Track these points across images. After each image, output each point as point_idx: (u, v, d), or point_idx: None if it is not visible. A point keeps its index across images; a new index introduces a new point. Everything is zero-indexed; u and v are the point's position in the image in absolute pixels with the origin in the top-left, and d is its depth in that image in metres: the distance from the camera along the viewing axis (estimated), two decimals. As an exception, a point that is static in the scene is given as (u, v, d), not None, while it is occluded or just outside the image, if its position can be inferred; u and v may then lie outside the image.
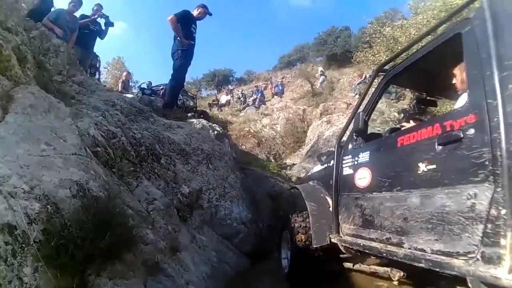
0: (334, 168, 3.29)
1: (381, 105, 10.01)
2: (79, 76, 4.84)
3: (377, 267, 2.93)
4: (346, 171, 3.11)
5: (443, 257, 1.85)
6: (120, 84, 12.87)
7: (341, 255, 3.24)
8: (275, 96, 22.02)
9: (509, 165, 1.53)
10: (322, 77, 20.66)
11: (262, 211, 5.50)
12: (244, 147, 10.79)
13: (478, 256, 1.64)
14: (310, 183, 4.02)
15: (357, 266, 3.18)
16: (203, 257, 3.67)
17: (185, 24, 6.60)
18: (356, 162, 2.96)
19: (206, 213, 4.29)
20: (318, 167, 4.28)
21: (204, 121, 7.53)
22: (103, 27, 8.46)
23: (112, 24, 8.59)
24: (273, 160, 10.69)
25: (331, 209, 3.28)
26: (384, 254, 2.34)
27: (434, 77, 2.95)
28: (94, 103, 3.99)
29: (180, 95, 8.30)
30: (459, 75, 2.47)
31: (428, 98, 3.59)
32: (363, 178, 2.79)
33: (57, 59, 4.50)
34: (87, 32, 8.03)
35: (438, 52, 2.42)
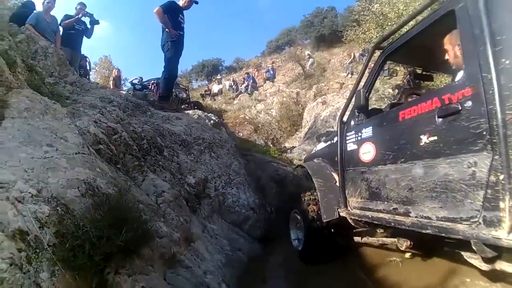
0: (338, 144, 3.35)
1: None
2: (71, 76, 4.73)
3: (385, 239, 3.10)
4: (350, 146, 3.17)
5: (448, 223, 1.96)
6: (111, 82, 12.73)
7: (352, 230, 3.36)
8: (267, 81, 21.89)
9: (505, 134, 1.64)
10: (311, 59, 20.61)
11: (269, 195, 5.49)
12: (241, 134, 10.77)
13: (480, 220, 1.76)
14: (315, 160, 4.04)
15: (365, 239, 3.35)
16: (216, 246, 3.65)
17: (172, 15, 6.49)
18: (359, 138, 3.04)
19: (214, 202, 4.26)
20: (321, 145, 4.28)
21: (199, 112, 7.47)
22: (89, 26, 8.31)
23: (97, 22, 8.44)
24: (271, 145, 10.67)
25: (338, 184, 3.34)
26: (392, 224, 2.43)
27: (430, 52, 2.96)
28: (90, 101, 3.91)
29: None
30: (451, 50, 2.55)
31: (424, 73, 3.61)
32: (367, 152, 2.87)
33: (46, 61, 4.40)
34: (73, 32, 7.89)
35: (432, 28, 2.48)
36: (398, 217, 2.39)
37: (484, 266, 2.08)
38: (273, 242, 4.64)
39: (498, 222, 1.64)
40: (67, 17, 7.89)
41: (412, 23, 2.92)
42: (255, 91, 19.14)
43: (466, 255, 2.22)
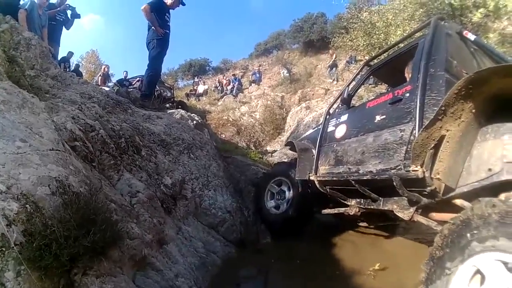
0: (321, 127, 4.28)
1: (360, 90, 10.38)
2: (53, 69, 4.63)
3: (340, 208, 3.91)
4: (330, 128, 4.12)
5: (382, 172, 2.96)
6: (99, 78, 12.61)
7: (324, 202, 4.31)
8: (253, 84, 21.91)
9: (421, 109, 2.70)
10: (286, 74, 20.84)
11: (247, 199, 5.48)
12: (224, 136, 10.74)
13: (402, 166, 2.74)
14: (303, 141, 4.87)
15: (325, 211, 4.24)
16: (190, 248, 3.63)
17: (158, 13, 6.46)
18: (338, 122, 4.01)
19: (191, 204, 4.23)
20: (310, 131, 5.24)
21: (182, 111, 7.43)
22: (69, 17, 8.29)
23: (78, 16, 8.55)
24: (253, 148, 10.68)
25: (314, 157, 4.16)
26: (346, 176, 3.40)
27: (399, 73, 3.69)
28: (70, 96, 3.85)
29: (157, 86, 8.21)
30: (408, 72, 3.47)
31: None
32: (340, 131, 3.85)
33: (29, 53, 4.30)
34: (54, 24, 7.85)
35: (405, 54, 3.56)
36: (350, 174, 3.37)
37: (406, 215, 2.90)
38: (249, 246, 4.65)
39: (409, 165, 2.55)
40: (50, 6, 7.84)
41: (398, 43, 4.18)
42: (240, 93, 19.13)
43: (395, 210, 3.04)
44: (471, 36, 3.19)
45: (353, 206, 3.73)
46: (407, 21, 9.05)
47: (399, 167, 2.77)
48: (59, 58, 9.41)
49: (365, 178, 3.15)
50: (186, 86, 27.63)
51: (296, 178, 4.40)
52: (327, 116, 4.32)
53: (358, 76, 4.43)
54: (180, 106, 9.35)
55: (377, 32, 10.10)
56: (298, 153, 4.50)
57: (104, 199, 2.53)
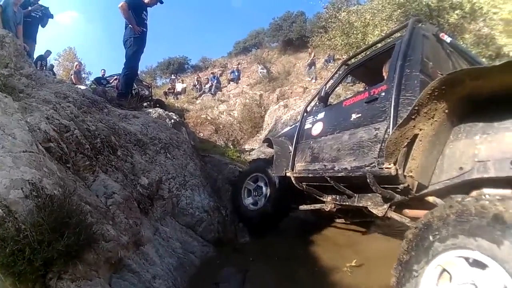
0: (299, 125, 4.39)
1: (338, 88, 10.58)
2: (28, 68, 4.51)
3: (316, 205, 4.10)
4: (307, 126, 4.22)
5: (357, 169, 3.05)
6: (72, 76, 12.37)
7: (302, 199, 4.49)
8: (231, 82, 21.88)
9: (395, 108, 2.78)
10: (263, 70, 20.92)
11: (224, 198, 5.48)
12: (202, 135, 10.71)
13: (375, 164, 2.83)
14: (280, 138, 4.97)
15: (302, 207, 4.42)
16: (168, 249, 3.62)
17: (136, 11, 6.39)
18: (315, 119, 4.10)
19: (168, 204, 4.21)
20: (287, 128, 5.49)
21: (160, 110, 7.36)
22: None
23: (51, 16, 8.48)
24: (231, 146, 10.67)
25: (291, 153, 4.26)
26: (321, 173, 3.52)
27: (377, 72, 3.79)
28: (45, 96, 3.76)
29: (134, 84, 8.13)
30: (385, 71, 3.59)
31: None
32: (317, 129, 3.95)
33: (2, 51, 4.19)
34: (29, 20, 7.71)
35: (382, 55, 3.66)
36: (326, 170, 3.47)
37: (380, 212, 3.02)
38: (227, 245, 4.66)
39: (383, 163, 2.64)
40: (25, 4, 7.67)
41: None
42: (219, 92, 19.09)
43: (369, 206, 3.17)
44: (447, 38, 3.27)
45: (328, 203, 3.83)
46: (385, 21, 9.22)
47: (373, 164, 2.86)
48: (35, 56, 9.26)
49: (340, 175, 3.26)
50: (165, 84, 27.41)
51: (273, 174, 4.53)
52: (305, 114, 4.43)
53: (336, 75, 4.55)
54: (158, 105, 9.27)
55: (355, 32, 10.25)
56: (275, 150, 4.57)
57: (79, 201, 2.49)
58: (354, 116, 3.35)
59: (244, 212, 5.05)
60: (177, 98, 18.28)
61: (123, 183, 3.56)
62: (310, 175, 3.77)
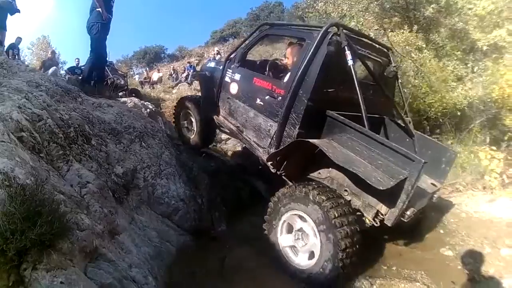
0: (221, 73, 4.88)
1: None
2: None
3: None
4: (227, 79, 4.79)
5: (256, 146, 4.18)
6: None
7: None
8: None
9: (284, 113, 3.61)
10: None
11: (200, 187, 5.46)
12: (177, 124, 10.55)
13: (266, 151, 3.96)
14: (207, 73, 5.53)
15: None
16: (144, 238, 3.60)
17: None
18: (232, 77, 4.67)
19: (143, 193, 4.19)
20: (212, 63, 6.02)
21: (136, 100, 7.28)
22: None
23: (18, 11, 8.39)
24: (207, 135, 10.58)
25: (215, 97, 4.97)
26: (236, 132, 4.52)
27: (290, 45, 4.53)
28: (16, 85, 3.63)
29: (110, 73, 8.00)
30: (290, 57, 4.37)
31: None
32: (234, 88, 4.60)
33: (-28, 40, 4.03)
34: None
35: (295, 38, 4.33)
36: (238, 131, 4.48)
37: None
38: (204, 234, 4.67)
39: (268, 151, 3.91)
40: None
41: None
42: (195, 81, 18.85)
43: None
44: (349, 60, 3.38)
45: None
46: (362, 12, 9.23)
47: (266, 149, 3.99)
48: (6, 45, 8.99)
49: (246, 143, 4.41)
50: (141, 73, 26.95)
51: (203, 116, 5.48)
52: (226, 62, 4.90)
53: (255, 34, 4.75)
54: (133, 94, 9.13)
55: (331, 22, 10.24)
56: (205, 91, 5.47)
57: (52, 190, 2.45)
58: (258, 100, 4.10)
59: (183, 136, 6.25)
60: (153, 88, 17.96)
61: (98, 172, 3.51)
62: (229, 126, 4.69)
